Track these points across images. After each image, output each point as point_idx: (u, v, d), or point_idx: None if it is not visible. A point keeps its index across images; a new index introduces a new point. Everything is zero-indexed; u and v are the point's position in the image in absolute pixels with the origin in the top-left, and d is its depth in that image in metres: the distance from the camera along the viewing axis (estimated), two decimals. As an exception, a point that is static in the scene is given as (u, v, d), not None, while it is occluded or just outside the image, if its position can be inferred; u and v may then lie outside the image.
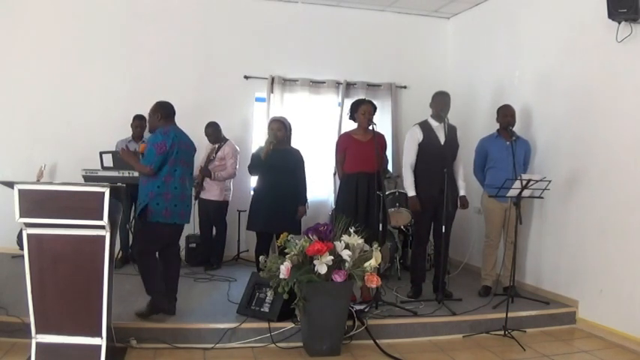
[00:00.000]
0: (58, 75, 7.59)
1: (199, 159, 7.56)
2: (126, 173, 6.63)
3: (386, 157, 6.36)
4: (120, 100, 7.34)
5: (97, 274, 4.03)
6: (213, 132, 7.43)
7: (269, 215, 6.27)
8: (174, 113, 5.27)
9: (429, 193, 5.96)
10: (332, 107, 8.41)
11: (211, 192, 7.36)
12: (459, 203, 6.15)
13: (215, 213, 7.44)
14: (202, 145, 7.58)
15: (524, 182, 5.47)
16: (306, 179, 6.62)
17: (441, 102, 6.10)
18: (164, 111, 5.19)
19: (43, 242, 4.01)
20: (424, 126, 6.10)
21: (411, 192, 6.05)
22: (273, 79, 8.19)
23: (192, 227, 7.56)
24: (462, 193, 6.16)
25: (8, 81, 7.53)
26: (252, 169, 6.54)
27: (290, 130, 6.63)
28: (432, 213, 6.04)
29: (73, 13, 7.69)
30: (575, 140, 5.99)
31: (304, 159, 6.61)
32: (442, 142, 5.98)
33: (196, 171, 7.24)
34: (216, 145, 7.40)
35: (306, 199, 6.60)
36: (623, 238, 5.35)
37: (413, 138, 6.09)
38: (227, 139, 7.44)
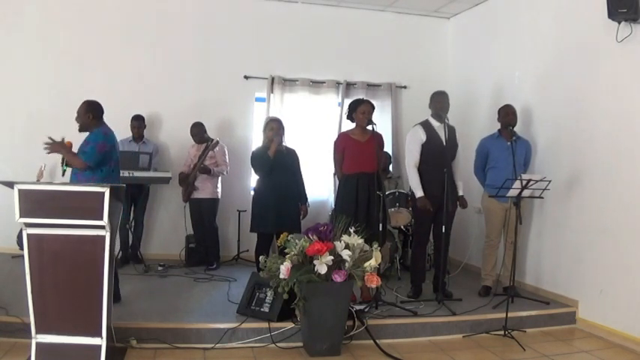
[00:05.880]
0: (57, 75, 7.60)
1: (181, 159, 7.63)
2: (126, 173, 6.62)
3: (387, 155, 6.33)
4: (120, 101, 7.30)
5: (97, 274, 4.03)
6: (199, 132, 7.46)
7: (278, 216, 6.27)
8: (103, 113, 5.34)
9: (431, 193, 5.94)
10: (332, 107, 8.41)
11: (205, 190, 7.36)
12: (458, 203, 6.15)
13: (209, 211, 7.43)
14: (183, 146, 7.71)
15: (525, 182, 5.47)
16: (303, 178, 6.67)
17: (439, 102, 6.10)
18: (96, 112, 5.27)
19: (43, 242, 4.01)
20: (426, 126, 6.09)
21: (419, 192, 5.96)
22: (273, 79, 8.19)
23: (184, 228, 7.59)
24: (460, 192, 6.16)
25: (8, 81, 7.55)
26: (259, 168, 6.49)
27: (284, 130, 6.66)
28: (432, 213, 6.04)
29: (73, 14, 7.70)
30: (576, 140, 5.99)
31: (299, 158, 6.65)
32: (444, 143, 5.98)
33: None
34: (203, 145, 7.40)
35: (306, 198, 6.63)
36: (623, 238, 5.34)
37: (416, 138, 6.06)
38: (212, 139, 7.44)
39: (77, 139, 5.21)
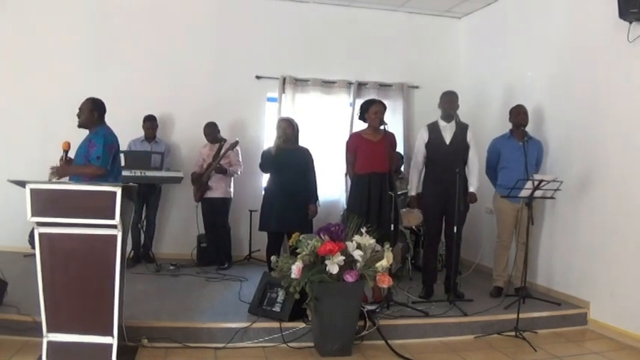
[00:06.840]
0: (69, 75, 7.63)
1: (193, 159, 7.66)
2: (138, 172, 6.66)
3: (400, 155, 6.33)
4: (132, 100, 7.37)
5: (108, 273, 4.05)
6: (212, 132, 7.48)
7: (281, 215, 6.28)
8: (105, 112, 5.30)
9: (434, 192, 5.98)
10: (343, 107, 8.41)
11: (219, 190, 7.37)
12: (467, 200, 6.11)
13: (222, 210, 7.44)
14: (195, 146, 7.74)
15: (536, 183, 5.45)
16: (316, 178, 6.63)
17: (447, 102, 6.13)
18: (101, 110, 5.23)
19: (54, 241, 4.03)
20: (432, 127, 6.15)
21: (412, 191, 6.18)
22: (284, 79, 8.19)
23: (195, 228, 7.62)
24: (471, 189, 6.13)
25: (20, 81, 7.60)
26: (264, 167, 6.57)
27: (297, 130, 6.64)
28: (440, 212, 6.04)
29: (84, 13, 7.75)
30: (587, 140, 5.96)
31: (313, 158, 6.62)
32: (447, 142, 6.02)
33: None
34: (217, 145, 7.38)
35: (317, 198, 6.59)
36: (634, 239, 5.31)
37: (420, 139, 6.20)
38: (225, 139, 7.42)
39: (76, 139, 5.18)
